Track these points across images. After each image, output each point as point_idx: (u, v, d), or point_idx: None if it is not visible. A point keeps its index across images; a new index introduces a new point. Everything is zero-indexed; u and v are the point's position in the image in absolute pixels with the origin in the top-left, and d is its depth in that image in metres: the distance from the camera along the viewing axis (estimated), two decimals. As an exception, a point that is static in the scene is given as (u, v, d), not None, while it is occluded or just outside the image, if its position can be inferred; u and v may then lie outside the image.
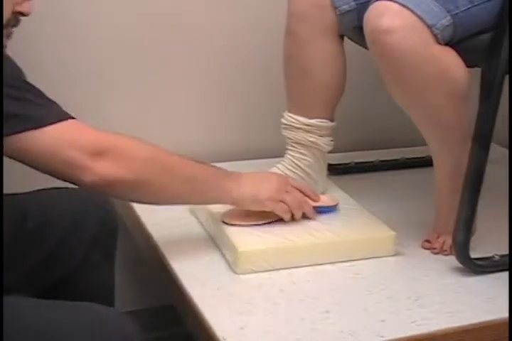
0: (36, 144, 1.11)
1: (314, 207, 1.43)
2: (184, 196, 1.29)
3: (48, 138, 1.11)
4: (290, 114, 1.52)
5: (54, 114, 1.13)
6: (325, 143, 1.52)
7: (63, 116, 1.14)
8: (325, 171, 1.57)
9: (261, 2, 1.76)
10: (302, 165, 1.52)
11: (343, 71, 1.50)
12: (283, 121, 1.53)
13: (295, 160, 1.52)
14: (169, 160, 1.24)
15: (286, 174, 1.51)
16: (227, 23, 1.77)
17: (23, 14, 1.15)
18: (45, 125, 1.11)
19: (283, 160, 1.53)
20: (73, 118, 1.16)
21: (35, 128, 1.10)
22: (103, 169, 1.15)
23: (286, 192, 1.37)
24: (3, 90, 1.05)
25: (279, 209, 1.37)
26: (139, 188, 1.21)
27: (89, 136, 1.16)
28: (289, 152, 1.53)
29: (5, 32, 1.14)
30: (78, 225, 1.35)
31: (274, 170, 1.52)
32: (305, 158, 1.51)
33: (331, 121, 1.52)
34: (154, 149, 1.23)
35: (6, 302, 1.04)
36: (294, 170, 1.51)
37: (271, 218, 1.41)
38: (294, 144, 1.52)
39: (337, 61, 1.49)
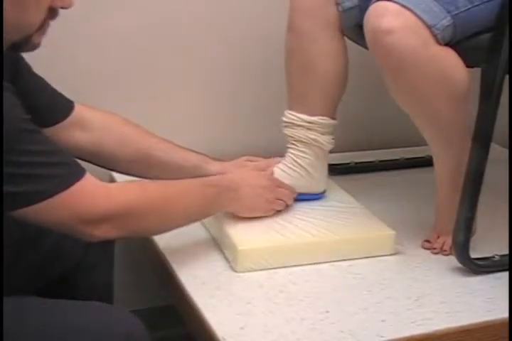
0: (41, 216, 1.11)
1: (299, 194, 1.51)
2: (182, 225, 1.33)
3: (51, 210, 1.11)
4: (291, 112, 1.51)
5: (55, 182, 1.10)
6: (326, 141, 1.51)
7: (68, 183, 1.11)
8: (326, 170, 1.57)
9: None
10: (303, 163, 1.51)
11: (346, 67, 1.50)
12: (284, 119, 1.52)
13: (296, 159, 1.51)
14: (169, 208, 1.26)
15: (286, 172, 1.51)
16: (228, 20, 1.77)
17: (63, 8, 1.14)
18: (46, 198, 1.09)
19: (284, 159, 1.53)
20: (80, 176, 1.13)
21: (37, 202, 1.09)
22: (106, 233, 1.17)
23: (276, 197, 1.44)
24: (3, 93, 1.04)
25: (272, 212, 1.45)
26: (143, 236, 1.32)
27: (92, 205, 1.14)
28: (290, 150, 1.52)
29: (41, 31, 1.14)
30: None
31: (275, 169, 1.52)
32: (306, 156, 1.51)
33: (333, 118, 1.51)
34: (154, 199, 1.24)
35: (14, 302, 1.04)
36: (294, 168, 1.51)
37: None
38: (294, 142, 1.51)
39: (339, 57, 1.49)
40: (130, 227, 1.20)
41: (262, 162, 1.55)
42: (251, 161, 1.55)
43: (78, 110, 1.40)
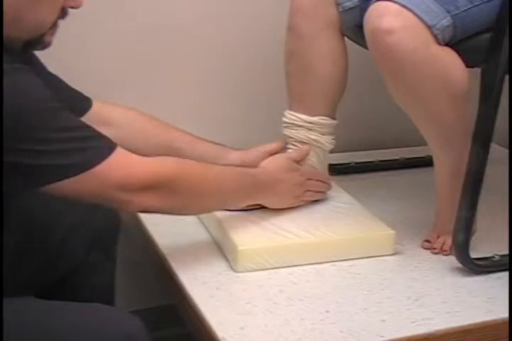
0: (79, 188, 1.11)
1: None
2: (217, 208, 1.38)
3: (90, 181, 1.11)
4: (291, 112, 1.51)
5: (93, 154, 1.12)
6: (327, 141, 1.51)
7: (104, 154, 1.13)
8: (326, 170, 1.57)
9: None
10: (304, 164, 1.51)
11: (346, 67, 1.50)
12: (284, 119, 1.52)
13: (297, 159, 1.52)
14: (209, 185, 1.27)
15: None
16: (228, 19, 1.77)
17: (73, 7, 1.15)
18: (85, 170, 1.10)
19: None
20: (113, 147, 1.14)
21: (76, 174, 1.10)
22: (144, 202, 1.18)
23: (307, 190, 1.47)
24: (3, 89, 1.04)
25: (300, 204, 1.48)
26: (177, 212, 1.29)
27: (131, 173, 1.15)
28: (290, 151, 1.52)
29: (52, 29, 1.15)
30: (79, 225, 1.36)
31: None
32: (307, 156, 1.51)
33: (333, 119, 1.51)
34: (197, 174, 1.25)
35: (12, 304, 1.04)
36: (295, 168, 1.51)
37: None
38: (295, 143, 1.51)
39: (339, 57, 1.49)
40: (167, 198, 1.20)
41: (294, 153, 1.53)
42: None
43: (97, 106, 1.41)
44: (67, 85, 1.38)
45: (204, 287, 1.30)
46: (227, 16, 1.77)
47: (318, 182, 1.50)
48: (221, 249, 1.41)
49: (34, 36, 1.12)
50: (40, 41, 1.14)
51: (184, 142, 1.46)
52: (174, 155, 1.41)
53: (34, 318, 1.06)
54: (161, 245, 1.42)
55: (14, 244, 1.22)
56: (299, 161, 1.51)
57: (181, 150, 1.44)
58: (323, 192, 1.52)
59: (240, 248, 1.33)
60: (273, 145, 1.53)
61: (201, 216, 1.51)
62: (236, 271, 1.34)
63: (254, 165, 1.46)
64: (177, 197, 1.22)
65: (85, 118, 1.35)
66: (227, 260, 1.38)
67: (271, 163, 1.46)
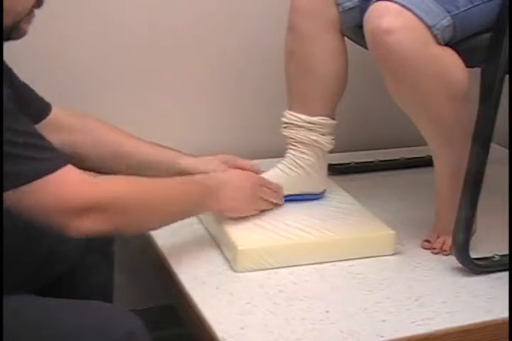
0: (21, 201, 1.08)
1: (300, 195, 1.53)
2: (168, 223, 1.32)
3: (32, 196, 1.08)
4: (291, 112, 1.51)
5: (41, 165, 1.08)
6: (326, 141, 1.51)
7: (51, 168, 1.09)
8: (325, 170, 1.57)
9: (263, -2, 1.77)
10: (303, 165, 1.51)
11: (346, 67, 1.50)
12: (284, 119, 1.52)
13: (296, 159, 1.51)
14: (152, 203, 1.24)
15: (286, 173, 1.51)
16: (228, 20, 1.77)
17: None
18: (29, 181, 1.07)
19: (284, 160, 1.53)
20: (65, 162, 1.11)
21: (18, 186, 1.06)
22: (86, 227, 1.14)
23: (260, 197, 1.44)
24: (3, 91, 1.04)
25: (256, 212, 1.45)
26: (123, 232, 1.25)
27: (73, 195, 1.11)
28: (290, 151, 1.52)
29: (28, 17, 1.14)
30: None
31: (275, 170, 1.52)
32: (306, 157, 1.51)
33: (333, 119, 1.51)
34: (137, 192, 1.22)
35: (12, 302, 1.04)
36: (295, 169, 1.51)
37: None
38: (295, 143, 1.51)
39: (339, 58, 1.48)
40: (114, 220, 1.16)
41: (244, 163, 1.53)
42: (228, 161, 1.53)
43: (55, 112, 1.39)
44: (31, 89, 1.37)
45: (204, 287, 1.30)
46: (227, 16, 1.77)
47: (271, 191, 1.47)
48: (221, 248, 1.41)
49: (11, 23, 1.11)
50: (17, 29, 1.13)
51: (137, 148, 1.45)
52: (127, 161, 1.43)
53: (34, 317, 1.06)
54: (160, 245, 1.42)
55: (11, 244, 1.22)
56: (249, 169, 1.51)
57: (134, 156, 1.44)
58: (276, 203, 1.48)
59: (239, 248, 1.33)
60: (244, 163, 1.52)
61: (201, 216, 1.51)
62: (236, 271, 1.34)
63: (206, 171, 1.45)
64: (125, 217, 1.19)
65: (42, 124, 1.36)
66: (227, 260, 1.38)
67: (218, 170, 1.46)
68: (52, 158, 1.10)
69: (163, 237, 1.45)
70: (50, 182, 1.09)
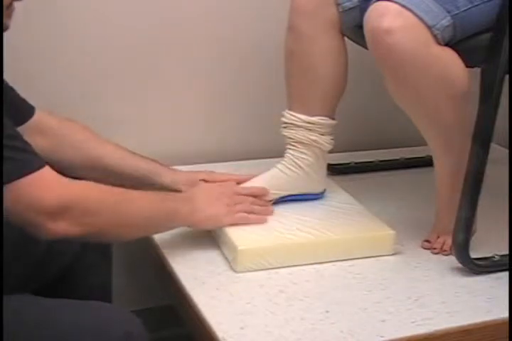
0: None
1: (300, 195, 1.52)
2: (143, 233, 1.34)
3: (8, 196, 1.08)
4: (291, 112, 1.51)
5: (12, 168, 1.08)
6: (326, 141, 1.51)
7: (23, 170, 1.09)
8: (325, 170, 1.57)
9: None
10: (302, 165, 1.51)
11: (345, 68, 1.50)
12: (283, 119, 1.52)
13: (295, 160, 1.51)
14: (125, 208, 1.24)
15: (286, 174, 1.51)
16: (227, 20, 1.76)
17: None
18: (6, 182, 1.07)
19: (283, 160, 1.53)
20: (40, 166, 1.12)
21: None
22: (59, 229, 1.14)
23: (236, 203, 1.42)
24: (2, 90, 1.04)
25: (240, 221, 1.41)
26: (98, 238, 1.24)
27: (47, 196, 1.12)
28: (290, 151, 1.52)
29: (8, 10, 1.13)
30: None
31: (274, 170, 1.52)
32: (306, 157, 1.51)
33: (332, 119, 1.51)
34: (110, 198, 1.22)
35: (11, 302, 1.04)
36: (294, 169, 1.51)
37: None
38: (294, 143, 1.51)
39: (339, 57, 1.48)
40: (85, 223, 1.16)
41: (222, 176, 1.54)
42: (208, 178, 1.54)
43: (38, 116, 1.41)
44: (15, 92, 1.37)
45: (204, 287, 1.30)
46: (227, 16, 1.77)
47: (246, 197, 1.45)
48: (221, 249, 1.41)
49: None
50: None
51: (114, 158, 1.46)
52: (104, 170, 1.45)
53: (34, 317, 1.06)
54: (161, 245, 1.42)
55: (9, 243, 1.22)
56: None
57: (111, 166, 1.46)
58: (259, 214, 1.44)
59: (239, 248, 1.33)
60: (220, 177, 1.53)
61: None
62: (236, 271, 1.34)
63: (184, 185, 1.48)
64: (96, 221, 1.18)
65: (25, 127, 1.37)
66: (227, 260, 1.38)
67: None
68: (29, 160, 1.11)
69: (163, 237, 1.44)
70: (26, 183, 1.09)
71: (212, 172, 1.56)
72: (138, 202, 1.27)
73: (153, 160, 1.50)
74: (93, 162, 1.45)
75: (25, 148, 1.12)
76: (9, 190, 1.08)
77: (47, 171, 1.13)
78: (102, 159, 1.46)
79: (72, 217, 1.15)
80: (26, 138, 1.33)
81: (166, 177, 1.49)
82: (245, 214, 1.42)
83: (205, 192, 1.41)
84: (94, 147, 1.46)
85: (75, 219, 1.15)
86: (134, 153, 1.49)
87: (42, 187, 1.12)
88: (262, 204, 1.47)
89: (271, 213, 1.46)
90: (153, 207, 1.29)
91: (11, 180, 1.08)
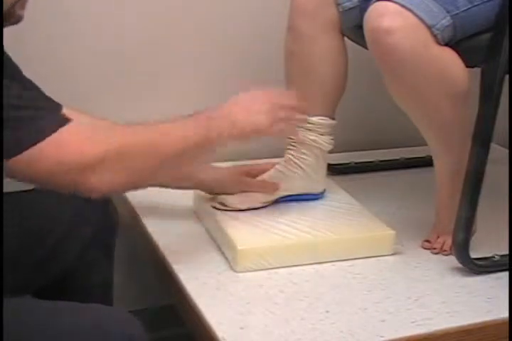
0: (24, 169, 1.06)
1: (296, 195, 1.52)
2: (187, 162, 1.27)
3: (34, 162, 1.06)
4: (290, 112, 1.51)
5: (36, 128, 1.07)
6: (325, 141, 1.51)
7: (47, 130, 1.07)
8: (325, 170, 1.57)
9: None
10: (302, 165, 1.51)
11: (345, 68, 1.50)
12: (283, 120, 1.52)
13: (295, 160, 1.51)
14: (162, 143, 1.19)
15: (285, 174, 1.51)
16: (227, 19, 1.76)
17: None
18: (27, 147, 1.05)
19: (283, 160, 1.53)
20: (65, 122, 1.09)
21: (30, 146, 1.05)
22: (105, 181, 1.12)
23: (278, 114, 1.32)
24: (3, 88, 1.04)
25: (279, 134, 1.34)
26: (145, 181, 1.22)
27: (74, 154, 1.09)
28: (289, 151, 1.52)
29: (20, 3, 1.13)
30: (77, 224, 1.35)
31: (274, 170, 1.52)
32: (305, 157, 1.51)
33: (332, 119, 1.51)
34: (143, 137, 1.18)
35: (12, 304, 1.04)
36: (294, 169, 1.51)
37: (257, 203, 1.47)
38: (294, 144, 1.51)
39: (339, 58, 1.48)
40: (127, 167, 1.13)
41: (262, 167, 1.53)
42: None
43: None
44: (39, 90, 1.35)
45: (204, 287, 1.30)
46: (227, 16, 1.77)
47: (290, 110, 1.35)
48: (221, 249, 1.41)
49: (4, 9, 1.10)
50: (12, 14, 1.12)
51: None
52: None
53: (34, 319, 1.06)
54: (161, 245, 1.42)
55: (10, 244, 1.22)
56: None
57: None
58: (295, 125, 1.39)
59: (239, 248, 1.33)
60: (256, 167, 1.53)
61: (201, 216, 1.51)
62: (236, 271, 1.34)
63: (227, 183, 1.46)
64: (134, 161, 1.15)
65: None
66: (227, 260, 1.38)
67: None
68: (51, 119, 1.08)
69: (163, 237, 1.45)
70: (53, 142, 1.07)
71: (251, 165, 1.54)
72: (173, 133, 1.21)
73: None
74: None
75: (47, 107, 1.09)
76: (36, 152, 1.05)
77: (72, 126, 1.10)
78: None
79: (113, 164, 1.12)
80: None
81: (208, 174, 1.47)
82: (284, 126, 1.33)
83: (244, 103, 1.33)
84: None
85: (115, 166, 1.12)
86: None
87: (70, 144, 1.09)
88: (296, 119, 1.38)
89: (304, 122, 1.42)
90: (189, 134, 1.22)
91: (36, 143, 1.05)
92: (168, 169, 1.24)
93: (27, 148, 1.05)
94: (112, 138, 1.14)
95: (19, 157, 1.05)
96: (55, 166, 1.08)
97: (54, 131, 1.07)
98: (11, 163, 1.05)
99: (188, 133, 1.22)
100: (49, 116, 1.09)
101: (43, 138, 1.06)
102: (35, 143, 1.05)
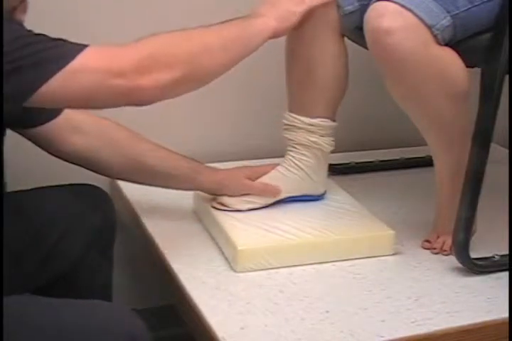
0: (73, 84, 1.06)
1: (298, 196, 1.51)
2: (232, 59, 1.30)
3: (82, 73, 1.06)
4: (291, 114, 1.51)
5: (73, 48, 1.07)
6: (326, 143, 1.51)
7: (78, 49, 1.07)
8: (325, 172, 1.56)
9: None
10: (303, 166, 1.51)
11: (346, 69, 1.49)
12: (284, 121, 1.52)
13: (296, 161, 1.51)
14: (198, 37, 1.20)
15: (286, 175, 1.51)
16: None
17: None
18: (71, 60, 1.05)
19: (283, 161, 1.53)
20: (86, 45, 1.10)
21: (63, 67, 1.04)
22: (154, 81, 1.10)
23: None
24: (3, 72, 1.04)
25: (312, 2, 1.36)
26: (195, 76, 1.21)
27: (121, 57, 1.10)
28: (290, 153, 1.52)
29: (21, 7, 1.14)
30: (77, 224, 1.36)
31: (275, 171, 1.51)
32: (306, 158, 1.51)
33: (333, 120, 1.51)
34: (176, 36, 1.19)
35: (14, 301, 1.04)
36: (294, 170, 1.51)
37: (256, 204, 1.47)
38: (295, 145, 1.51)
39: (340, 59, 1.48)
40: (172, 63, 1.13)
41: (262, 169, 1.52)
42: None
43: (69, 112, 1.36)
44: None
45: (204, 287, 1.30)
46: (227, 17, 1.77)
47: None
48: (221, 249, 1.41)
49: (5, 9, 1.10)
50: (13, 19, 1.13)
51: (153, 157, 1.41)
52: (142, 169, 1.40)
53: (35, 317, 1.06)
54: (160, 245, 1.42)
55: (11, 243, 1.22)
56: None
57: (150, 166, 1.41)
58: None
59: (239, 248, 1.33)
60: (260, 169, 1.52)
61: (201, 216, 1.51)
62: (236, 271, 1.34)
63: (228, 185, 1.46)
64: (176, 62, 1.15)
65: (55, 123, 1.33)
66: (227, 260, 1.38)
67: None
68: (75, 44, 1.09)
69: (163, 237, 1.45)
70: (93, 54, 1.07)
71: (252, 167, 1.53)
72: (208, 30, 1.23)
73: (192, 159, 1.46)
74: (130, 161, 1.40)
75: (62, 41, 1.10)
76: (78, 69, 1.05)
77: (96, 46, 1.10)
78: (140, 158, 1.40)
79: (157, 63, 1.11)
80: (57, 136, 1.32)
81: (209, 176, 1.46)
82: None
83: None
84: (131, 146, 1.41)
85: (160, 64, 1.11)
86: (174, 152, 1.44)
87: (107, 54, 1.09)
88: None
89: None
90: (225, 29, 1.26)
91: (77, 55, 1.05)
92: (222, 58, 1.25)
93: (68, 62, 1.04)
94: (144, 40, 1.14)
95: (59, 74, 1.04)
96: (100, 75, 1.07)
97: (86, 46, 1.08)
98: (44, 89, 1.04)
99: (225, 25, 1.26)
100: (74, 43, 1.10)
101: (82, 50, 1.07)
102: (74, 56, 1.05)
